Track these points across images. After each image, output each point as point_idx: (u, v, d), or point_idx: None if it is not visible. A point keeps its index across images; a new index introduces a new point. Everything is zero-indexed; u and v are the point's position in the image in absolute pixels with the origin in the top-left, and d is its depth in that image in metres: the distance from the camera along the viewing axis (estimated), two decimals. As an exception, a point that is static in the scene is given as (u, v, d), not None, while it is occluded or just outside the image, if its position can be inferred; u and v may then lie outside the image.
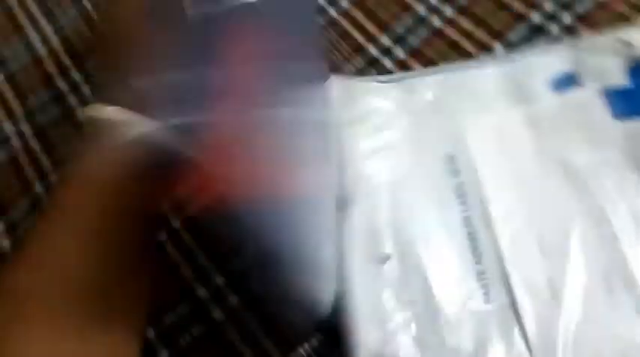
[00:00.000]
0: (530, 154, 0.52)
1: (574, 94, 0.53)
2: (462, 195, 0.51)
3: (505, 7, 0.61)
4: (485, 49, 0.59)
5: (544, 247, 0.48)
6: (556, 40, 0.58)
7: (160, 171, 0.34)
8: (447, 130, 0.54)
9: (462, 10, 0.62)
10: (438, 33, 0.60)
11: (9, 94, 0.65)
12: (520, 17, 0.60)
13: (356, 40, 0.61)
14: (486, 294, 0.47)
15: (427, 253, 0.49)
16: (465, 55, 0.59)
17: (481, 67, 0.57)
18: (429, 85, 0.57)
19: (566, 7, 0.60)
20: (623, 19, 0.58)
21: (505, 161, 0.52)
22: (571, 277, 0.47)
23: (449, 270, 0.49)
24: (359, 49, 0.61)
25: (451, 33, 0.61)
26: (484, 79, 0.56)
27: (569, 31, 0.59)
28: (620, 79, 0.53)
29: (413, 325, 0.47)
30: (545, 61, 0.56)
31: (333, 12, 0.63)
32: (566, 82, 0.54)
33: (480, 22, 0.61)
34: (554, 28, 0.59)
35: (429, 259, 0.49)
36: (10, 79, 0.66)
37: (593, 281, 0.46)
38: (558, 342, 0.45)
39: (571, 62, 0.55)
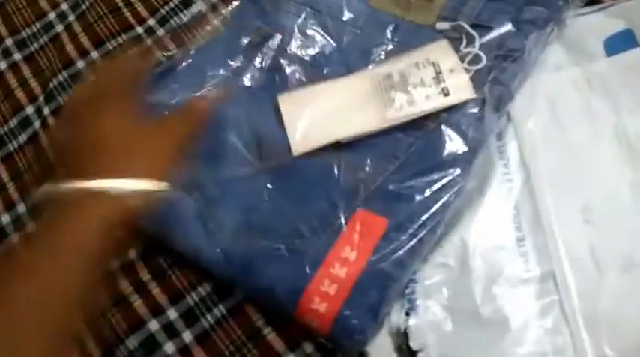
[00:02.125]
0: (580, 119, 0.49)
1: (630, 55, 0.50)
2: (504, 157, 0.49)
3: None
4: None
5: (589, 217, 0.45)
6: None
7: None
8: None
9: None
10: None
11: None
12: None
13: None
14: (525, 262, 0.45)
15: (465, 215, 0.47)
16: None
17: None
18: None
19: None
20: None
21: (553, 125, 0.49)
22: (615, 249, 0.44)
23: (487, 234, 0.46)
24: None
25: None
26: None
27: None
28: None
29: (444, 290, 0.45)
30: (599, 22, 0.52)
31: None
32: (622, 42, 0.51)
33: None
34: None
35: (466, 221, 0.47)
36: None
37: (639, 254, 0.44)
38: (599, 317, 0.42)
39: (626, 22, 0.51)
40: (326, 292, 0.44)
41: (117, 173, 0.36)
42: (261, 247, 0.47)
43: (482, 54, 0.50)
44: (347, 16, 0.56)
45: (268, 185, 0.50)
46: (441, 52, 0.51)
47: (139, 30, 0.62)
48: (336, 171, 0.49)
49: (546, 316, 0.43)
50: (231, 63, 0.55)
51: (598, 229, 0.45)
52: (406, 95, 0.50)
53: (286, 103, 0.52)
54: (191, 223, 0.49)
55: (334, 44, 0.55)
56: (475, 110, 0.48)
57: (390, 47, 0.54)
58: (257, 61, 0.55)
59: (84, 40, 0.63)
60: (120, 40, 0.62)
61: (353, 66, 0.53)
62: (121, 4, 0.64)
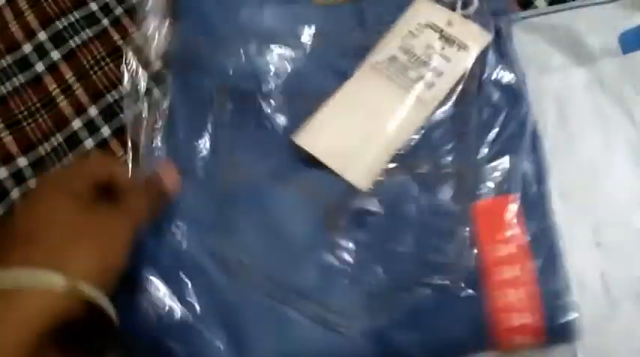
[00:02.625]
0: (591, 128, 0.44)
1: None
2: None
3: None
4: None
5: (600, 239, 0.42)
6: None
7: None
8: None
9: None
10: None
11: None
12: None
13: None
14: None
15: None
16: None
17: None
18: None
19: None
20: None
21: (561, 134, 0.44)
22: (629, 277, 0.41)
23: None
24: None
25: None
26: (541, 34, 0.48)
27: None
28: None
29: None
30: (613, 14, 0.47)
31: None
32: (637, 38, 0.46)
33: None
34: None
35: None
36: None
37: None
38: (609, 353, 0.39)
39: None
40: (517, 300, 0.39)
41: (45, 264, 0.31)
42: (403, 305, 0.40)
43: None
44: (303, 30, 0.49)
45: (351, 245, 0.42)
46: (427, 10, 0.48)
47: (94, 6, 0.55)
48: (425, 179, 0.43)
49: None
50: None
51: (610, 253, 0.41)
52: (426, 68, 0.46)
53: (310, 142, 0.44)
54: None
55: (306, 62, 0.48)
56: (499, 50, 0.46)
57: (367, 33, 0.48)
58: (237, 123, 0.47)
59: (31, 19, 0.55)
60: (72, 18, 0.54)
61: (342, 72, 0.47)
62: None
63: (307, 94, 0.47)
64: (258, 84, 0.47)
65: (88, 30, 0.54)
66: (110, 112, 0.51)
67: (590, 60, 0.45)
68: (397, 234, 0.42)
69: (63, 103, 0.52)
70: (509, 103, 0.45)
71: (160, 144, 0.46)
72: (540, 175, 0.43)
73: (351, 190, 0.43)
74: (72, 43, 0.54)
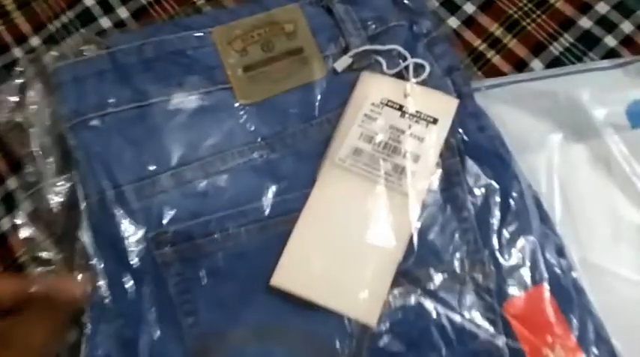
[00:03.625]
0: (598, 213, 0.39)
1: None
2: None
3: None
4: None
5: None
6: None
7: None
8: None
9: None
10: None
11: None
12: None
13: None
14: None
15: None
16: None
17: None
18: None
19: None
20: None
21: (565, 218, 0.39)
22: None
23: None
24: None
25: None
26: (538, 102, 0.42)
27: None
28: None
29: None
30: (619, 82, 0.41)
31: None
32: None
33: None
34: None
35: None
36: None
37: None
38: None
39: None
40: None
41: None
42: None
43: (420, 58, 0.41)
44: (239, 137, 0.40)
45: None
46: (377, 86, 0.40)
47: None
48: (438, 291, 0.36)
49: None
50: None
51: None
52: (399, 155, 0.38)
53: (289, 280, 0.36)
54: None
55: (255, 179, 0.39)
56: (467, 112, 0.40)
57: (316, 125, 0.40)
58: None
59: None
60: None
61: (302, 179, 0.39)
62: None
63: (270, 219, 0.38)
64: (205, 224, 0.37)
65: None
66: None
67: (595, 133, 0.40)
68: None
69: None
70: (497, 172, 0.39)
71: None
72: (559, 248, 0.38)
73: (358, 330, 0.35)
74: None
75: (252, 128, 0.40)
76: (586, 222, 0.39)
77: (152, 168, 0.38)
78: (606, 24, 0.45)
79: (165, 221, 0.37)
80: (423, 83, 0.41)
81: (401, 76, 0.41)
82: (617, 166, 0.39)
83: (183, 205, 0.38)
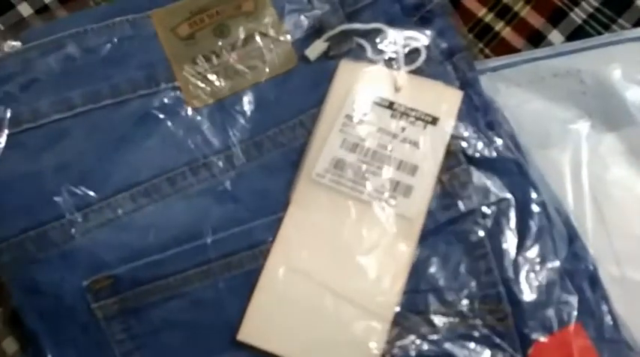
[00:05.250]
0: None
1: None
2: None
3: None
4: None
5: None
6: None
7: None
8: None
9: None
10: None
11: None
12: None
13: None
14: None
15: None
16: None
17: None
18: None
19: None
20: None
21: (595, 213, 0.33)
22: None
23: None
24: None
25: None
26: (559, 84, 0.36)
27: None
28: None
29: None
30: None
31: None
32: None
33: None
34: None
35: None
36: None
37: None
38: None
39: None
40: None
41: None
42: None
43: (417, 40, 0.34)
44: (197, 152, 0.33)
45: None
46: (360, 79, 0.34)
47: None
48: (450, 342, 0.30)
49: None
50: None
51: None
52: (391, 166, 0.32)
53: (261, 336, 0.30)
54: None
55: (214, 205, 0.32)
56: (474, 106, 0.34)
57: (285, 130, 0.33)
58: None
59: None
60: None
61: (272, 201, 0.32)
62: None
63: (233, 255, 0.31)
64: (154, 265, 0.31)
65: None
66: None
67: (628, 121, 0.34)
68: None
69: None
70: (513, 182, 0.32)
71: None
72: (593, 277, 0.31)
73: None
74: None
75: (207, 138, 0.33)
76: (623, 231, 0.33)
77: (81, 198, 0.31)
78: (639, -19, 0.39)
79: (102, 265, 0.30)
80: (417, 72, 0.33)
81: (390, 63, 0.33)
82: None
83: (125, 243, 0.31)
